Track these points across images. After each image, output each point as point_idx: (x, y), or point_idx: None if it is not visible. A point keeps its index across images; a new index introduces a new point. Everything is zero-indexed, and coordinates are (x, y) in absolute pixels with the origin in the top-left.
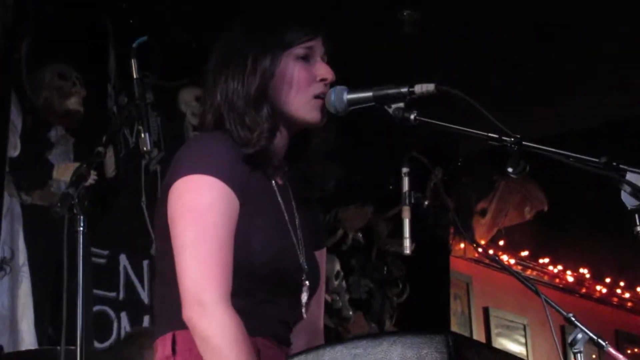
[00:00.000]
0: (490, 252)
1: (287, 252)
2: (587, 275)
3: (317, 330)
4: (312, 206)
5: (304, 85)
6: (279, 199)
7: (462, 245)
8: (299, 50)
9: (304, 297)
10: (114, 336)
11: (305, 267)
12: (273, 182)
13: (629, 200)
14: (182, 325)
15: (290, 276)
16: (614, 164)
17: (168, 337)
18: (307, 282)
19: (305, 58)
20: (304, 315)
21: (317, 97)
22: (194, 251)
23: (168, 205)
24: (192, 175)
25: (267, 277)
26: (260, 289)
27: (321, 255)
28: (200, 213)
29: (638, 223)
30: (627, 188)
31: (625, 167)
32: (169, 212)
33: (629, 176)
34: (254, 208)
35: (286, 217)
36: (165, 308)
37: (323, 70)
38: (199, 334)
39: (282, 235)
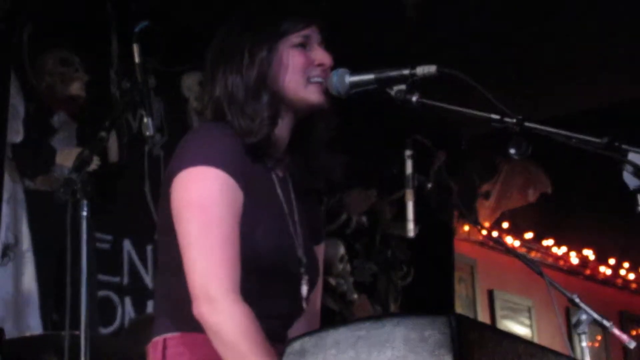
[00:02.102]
0: (495, 234)
1: (286, 245)
2: (591, 257)
3: (315, 314)
4: (312, 200)
5: (301, 69)
6: (279, 191)
7: (466, 228)
8: (295, 38)
9: (304, 290)
10: (118, 321)
11: (304, 260)
12: (273, 174)
13: (631, 181)
14: (173, 329)
15: (288, 269)
16: (616, 144)
17: (159, 341)
18: (306, 275)
19: (303, 45)
20: (304, 308)
21: (315, 81)
22: (200, 246)
23: (172, 198)
24: (196, 167)
25: (266, 269)
26: (259, 281)
27: (319, 249)
28: (205, 206)
29: None
30: (629, 168)
31: (627, 147)
32: (174, 205)
33: (631, 156)
34: (253, 200)
35: (285, 210)
36: (162, 307)
37: (320, 55)
38: (210, 328)
39: (280, 228)
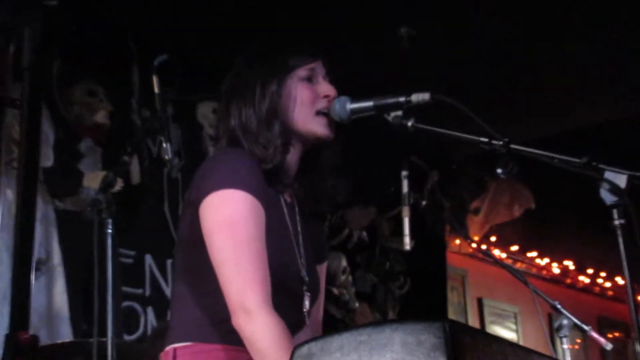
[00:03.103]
0: (483, 247)
1: (291, 265)
2: (572, 267)
3: (318, 323)
4: (317, 222)
5: (309, 102)
6: (286, 215)
7: (457, 242)
8: (302, 72)
9: (306, 306)
10: (141, 329)
11: (307, 278)
12: (282, 199)
13: (607, 197)
14: (184, 339)
15: (292, 287)
16: (594, 164)
17: (169, 351)
18: (308, 293)
19: (309, 79)
20: (307, 322)
21: (322, 113)
22: (234, 263)
23: (203, 220)
24: (224, 190)
25: (273, 286)
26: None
27: (322, 268)
28: (237, 227)
29: (616, 217)
30: (606, 186)
31: (604, 166)
32: (205, 227)
33: (607, 175)
34: (267, 223)
35: (291, 232)
36: (176, 317)
37: (325, 88)
38: (246, 338)
39: (286, 250)
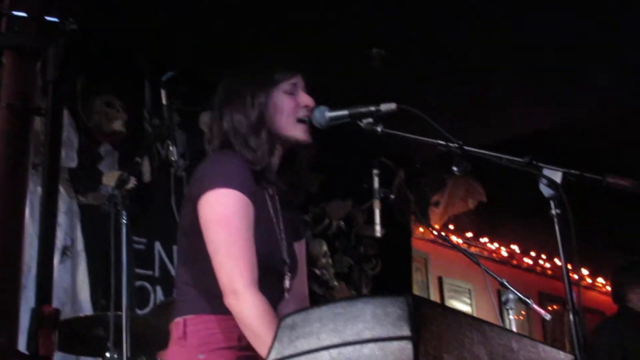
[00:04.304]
0: (443, 234)
1: (274, 250)
2: (517, 250)
3: (304, 297)
4: (294, 209)
5: (291, 112)
6: (270, 206)
7: (421, 229)
8: (286, 86)
9: (286, 284)
10: (151, 305)
11: (288, 260)
12: (265, 193)
13: (546, 191)
14: (192, 311)
15: (275, 267)
16: (534, 162)
17: (180, 322)
18: (288, 273)
19: (291, 91)
20: (286, 297)
21: (302, 120)
22: (226, 251)
23: (200, 214)
24: (218, 189)
25: (259, 269)
26: None
27: (301, 244)
28: (229, 221)
29: (553, 207)
30: (544, 181)
31: (543, 165)
32: (202, 220)
33: (546, 172)
34: (254, 214)
35: (274, 221)
36: (181, 297)
37: (305, 99)
38: (236, 315)
39: (270, 237)
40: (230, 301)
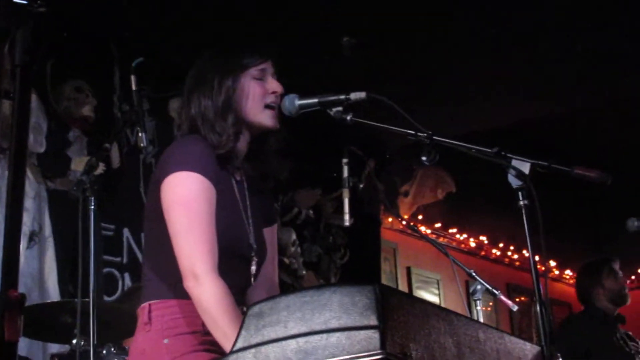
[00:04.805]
0: (412, 224)
1: (240, 235)
2: (486, 241)
3: (274, 285)
4: (264, 195)
5: (259, 97)
6: (236, 191)
7: (389, 219)
8: (254, 71)
9: (253, 270)
10: (119, 291)
11: (255, 245)
12: (232, 179)
13: (514, 181)
14: (157, 297)
15: (241, 254)
16: (503, 153)
17: (145, 307)
18: (255, 258)
19: (260, 77)
20: (252, 283)
21: (269, 106)
22: (187, 235)
23: (162, 198)
24: (180, 172)
25: (224, 254)
26: (220, 261)
27: (272, 230)
28: (189, 204)
29: (521, 199)
30: (513, 172)
31: (511, 155)
32: (164, 203)
33: (514, 163)
34: (218, 199)
35: (240, 206)
36: (147, 282)
37: (274, 85)
38: (194, 299)
39: (236, 221)
40: (189, 284)
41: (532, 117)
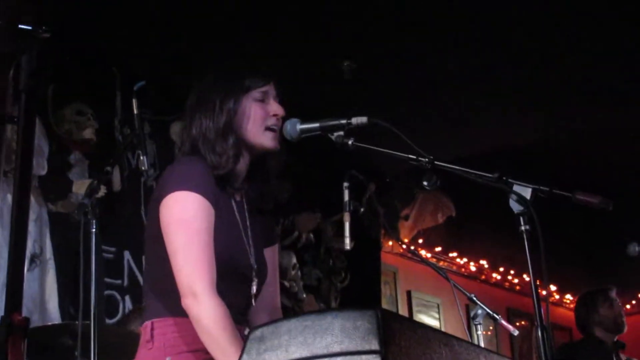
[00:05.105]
0: (412, 248)
1: (240, 255)
2: (486, 265)
3: (276, 308)
4: (264, 216)
5: (260, 120)
6: (236, 212)
7: (390, 243)
8: (256, 93)
9: (253, 290)
10: (120, 314)
11: (255, 266)
12: (232, 200)
13: (515, 206)
14: (159, 315)
15: (242, 274)
16: (504, 178)
17: (148, 325)
18: (256, 278)
19: (262, 99)
20: (253, 304)
21: (270, 128)
22: (185, 253)
23: (161, 217)
24: (178, 191)
25: (224, 273)
26: (221, 281)
27: (273, 250)
28: (187, 222)
29: (522, 224)
30: (514, 197)
31: (513, 180)
32: (162, 222)
33: (516, 187)
34: (217, 220)
35: (240, 227)
36: (149, 301)
37: (275, 108)
38: (193, 317)
39: (236, 241)
40: (188, 302)
41: (531, 140)
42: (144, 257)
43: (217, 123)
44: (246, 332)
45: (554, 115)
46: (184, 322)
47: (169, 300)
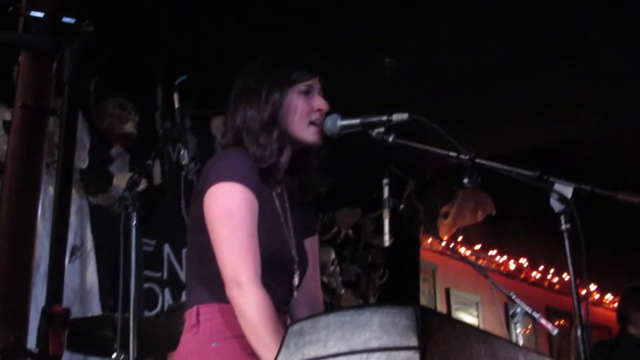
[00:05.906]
0: (451, 245)
1: (282, 247)
2: (525, 264)
3: (317, 302)
4: (305, 207)
5: (305, 114)
6: (277, 204)
7: (429, 240)
8: (301, 87)
9: (295, 281)
10: (159, 307)
11: (296, 258)
12: (273, 192)
13: (556, 205)
14: (205, 300)
15: (284, 265)
16: (545, 176)
17: (193, 310)
18: (298, 270)
19: (306, 93)
20: (295, 295)
21: (314, 123)
22: (230, 244)
23: (205, 208)
24: (223, 183)
25: (267, 265)
26: (264, 273)
27: (313, 241)
28: (232, 214)
29: (563, 222)
30: (555, 195)
31: (554, 179)
32: (207, 213)
33: (556, 186)
34: (260, 211)
35: (281, 218)
36: (193, 288)
37: (319, 102)
38: (237, 308)
39: (278, 234)
40: (233, 293)
41: (575, 138)
42: (184, 251)
43: (261, 115)
44: (289, 322)
45: (599, 113)
46: (228, 309)
47: (214, 287)
